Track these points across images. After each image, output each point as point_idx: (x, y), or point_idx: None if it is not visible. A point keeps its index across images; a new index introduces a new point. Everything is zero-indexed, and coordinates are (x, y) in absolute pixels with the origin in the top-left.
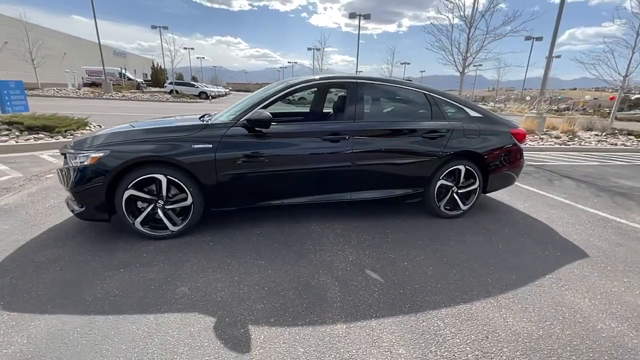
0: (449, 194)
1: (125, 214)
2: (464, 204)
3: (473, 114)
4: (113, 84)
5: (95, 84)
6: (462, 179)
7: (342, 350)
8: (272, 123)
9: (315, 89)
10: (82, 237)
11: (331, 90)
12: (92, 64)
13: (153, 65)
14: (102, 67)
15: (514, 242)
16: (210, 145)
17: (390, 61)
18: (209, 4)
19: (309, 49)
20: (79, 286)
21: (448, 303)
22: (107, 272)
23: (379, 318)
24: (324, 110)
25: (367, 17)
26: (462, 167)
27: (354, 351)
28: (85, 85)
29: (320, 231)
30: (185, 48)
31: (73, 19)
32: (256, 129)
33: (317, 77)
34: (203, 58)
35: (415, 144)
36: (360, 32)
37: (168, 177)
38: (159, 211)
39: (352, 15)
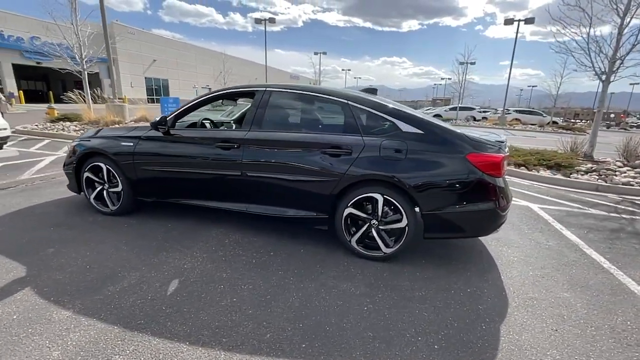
0: (363, 229)
1: (85, 190)
2: (387, 246)
3: (407, 128)
4: None
5: None
6: (381, 212)
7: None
8: (182, 129)
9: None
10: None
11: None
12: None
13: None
14: None
15: None
16: (131, 144)
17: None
18: (379, 28)
19: (461, 63)
20: None
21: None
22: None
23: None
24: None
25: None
26: (378, 197)
27: None
28: None
29: (214, 237)
30: (343, 69)
31: (275, 51)
32: (159, 130)
33: (231, 87)
34: (359, 78)
35: (312, 160)
36: (548, 39)
37: (107, 166)
38: (105, 193)
39: (528, 21)
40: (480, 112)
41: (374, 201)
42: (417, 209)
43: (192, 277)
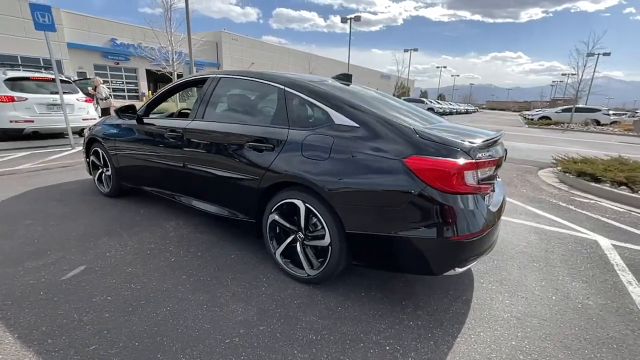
0: (287, 241)
1: (92, 172)
2: (311, 267)
3: (340, 119)
4: None
5: None
6: (304, 224)
7: None
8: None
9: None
10: None
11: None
12: (363, 85)
13: (397, 84)
14: None
15: None
16: (115, 131)
17: None
18: (490, 20)
19: (590, 54)
20: None
21: None
22: None
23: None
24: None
25: None
26: (300, 205)
27: None
28: None
29: (165, 228)
30: (437, 67)
31: (371, 52)
32: (123, 117)
33: (191, 76)
34: (457, 76)
35: (237, 154)
36: None
37: (102, 151)
38: (103, 176)
39: None
40: (607, 114)
41: (298, 209)
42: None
43: (99, 267)
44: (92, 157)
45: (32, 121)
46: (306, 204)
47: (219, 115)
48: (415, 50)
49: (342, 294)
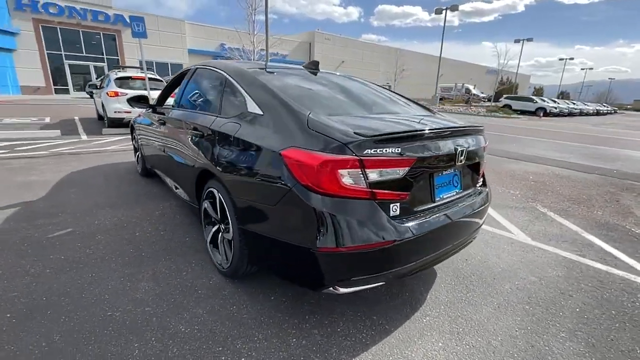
0: (212, 230)
1: (135, 154)
2: (226, 260)
3: (252, 107)
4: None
5: (444, 98)
6: (220, 214)
7: None
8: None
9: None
10: None
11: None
12: (461, 81)
13: (501, 80)
14: (453, 85)
15: None
16: (141, 119)
17: None
18: None
19: None
20: None
21: None
22: None
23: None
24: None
25: None
26: (216, 193)
27: None
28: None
29: (156, 209)
30: (560, 59)
31: (482, 45)
32: (132, 105)
33: (183, 70)
34: (589, 69)
35: (184, 141)
36: None
37: (135, 136)
38: (138, 157)
39: None
40: None
41: (216, 199)
42: None
43: (80, 231)
44: (132, 142)
45: (130, 112)
46: (219, 194)
47: (187, 103)
48: (529, 40)
49: (251, 294)
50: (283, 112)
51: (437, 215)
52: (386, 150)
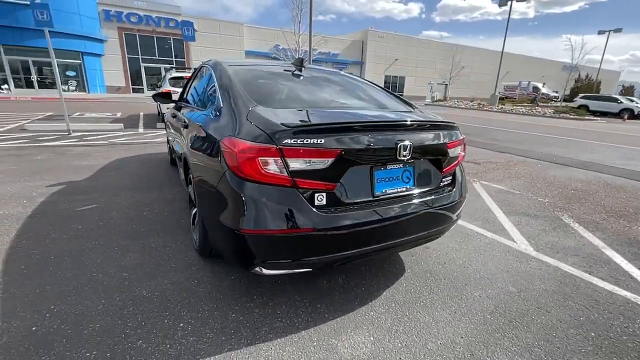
0: (193, 212)
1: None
2: (196, 238)
3: (218, 100)
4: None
5: (507, 98)
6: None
7: None
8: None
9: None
10: None
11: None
12: (531, 78)
13: (578, 77)
14: (518, 83)
15: None
16: (168, 114)
17: None
18: None
19: None
20: None
21: None
22: None
23: None
24: None
25: None
26: (191, 179)
27: None
28: (500, 98)
29: (171, 193)
30: None
31: (562, 38)
32: (156, 100)
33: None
34: None
35: (181, 132)
36: None
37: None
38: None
39: None
40: None
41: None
42: None
43: (102, 208)
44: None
45: None
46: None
47: (188, 98)
48: (617, 31)
49: (215, 272)
50: (234, 105)
51: (375, 209)
52: (308, 141)
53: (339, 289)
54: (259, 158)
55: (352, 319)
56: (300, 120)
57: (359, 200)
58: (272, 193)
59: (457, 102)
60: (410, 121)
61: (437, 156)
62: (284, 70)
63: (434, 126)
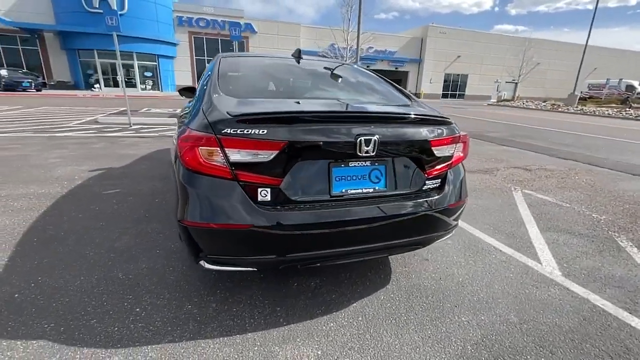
0: None
1: None
2: None
3: (198, 92)
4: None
5: (591, 98)
6: None
7: None
8: None
9: None
10: None
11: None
12: (624, 76)
13: None
14: (605, 81)
15: None
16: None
17: None
18: None
19: None
20: None
21: None
22: None
23: None
24: None
25: None
26: None
27: None
28: (581, 99)
29: None
30: None
31: None
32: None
33: None
34: None
35: None
36: None
37: None
38: None
39: None
40: None
41: None
42: None
43: (124, 192)
44: None
45: None
46: None
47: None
48: None
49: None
50: (203, 95)
51: (332, 210)
52: (249, 131)
53: (307, 293)
54: (199, 148)
55: (307, 328)
56: (247, 110)
57: (311, 199)
58: (212, 185)
59: (527, 102)
60: (376, 113)
61: (417, 155)
62: (279, 62)
63: (412, 120)
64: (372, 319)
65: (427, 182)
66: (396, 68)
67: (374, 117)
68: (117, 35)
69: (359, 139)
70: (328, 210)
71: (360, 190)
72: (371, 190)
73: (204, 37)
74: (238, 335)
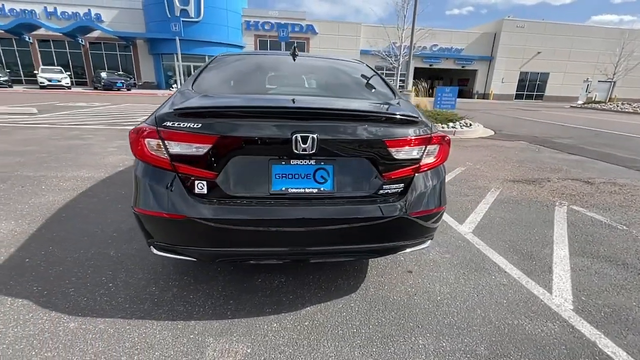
0: None
1: None
2: None
3: None
4: None
5: None
6: None
7: None
8: None
9: None
10: None
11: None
12: None
13: None
14: None
15: None
16: None
17: None
18: None
19: None
20: None
21: None
22: None
23: None
24: None
25: None
26: None
27: None
28: None
29: None
30: None
31: None
32: None
33: None
34: None
35: None
36: None
37: None
38: None
39: None
40: None
41: None
42: None
43: None
44: None
45: None
46: None
47: None
48: None
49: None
50: (180, 90)
51: (270, 208)
52: (185, 125)
53: (267, 291)
54: (145, 140)
55: (249, 325)
56: (188, 104)
57: (249, 195)
58: (154, 175)
59: (623, 104)
60: (318, 108)
61: (373, 156)
62: (270, 59)
63: (364, 117)
64: (318, 326)
65: (384, 186)
66: (462, 67)
67: (312, 113)
68: (193, 41)
69: (294, 136)
70: (266, 207)
71: (302, 190)
72: (315, 190)
73: (268, 39)
74: (181, 322)
